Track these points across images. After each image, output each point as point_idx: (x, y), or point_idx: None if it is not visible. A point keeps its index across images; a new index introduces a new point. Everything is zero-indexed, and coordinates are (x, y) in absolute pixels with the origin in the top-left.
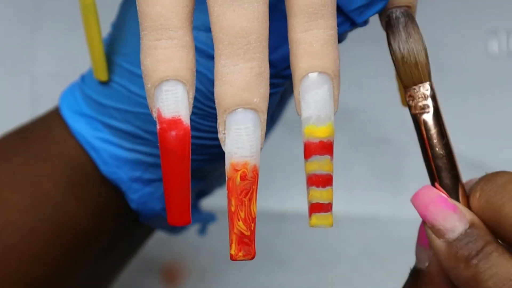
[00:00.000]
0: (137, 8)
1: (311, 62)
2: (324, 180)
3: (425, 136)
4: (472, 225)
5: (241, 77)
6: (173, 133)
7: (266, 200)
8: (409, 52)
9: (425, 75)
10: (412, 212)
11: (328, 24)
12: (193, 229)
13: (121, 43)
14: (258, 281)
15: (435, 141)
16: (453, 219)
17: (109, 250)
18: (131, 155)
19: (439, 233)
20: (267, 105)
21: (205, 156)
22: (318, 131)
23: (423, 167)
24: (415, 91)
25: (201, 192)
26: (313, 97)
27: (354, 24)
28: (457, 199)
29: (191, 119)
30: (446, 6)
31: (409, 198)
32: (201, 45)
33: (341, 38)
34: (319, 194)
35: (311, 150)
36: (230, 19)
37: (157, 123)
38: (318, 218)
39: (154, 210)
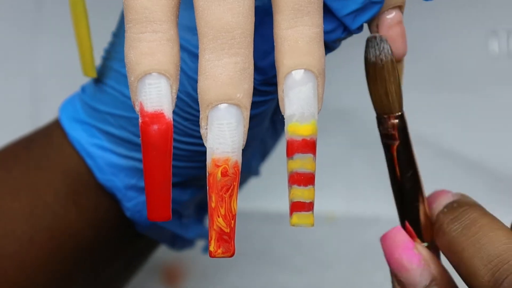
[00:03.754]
0: (123, 1)
1: (296, 59)
2: (306, 179)
3: (391, 162)
4: (433, 280)
5: (225, 72)
6: (155, 127)
7: (266, 200)
8: (380, 79)
9: (395, 107)
10: None
11: (313, 21)
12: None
13: (118, 49)
14: (258, 281)
15: (402, 170)
16: (416, 274)
17: (110, 260)
18: (126, 162)
19: (400, 284)
20: (251, 101)
21: (201, 163)
22: (301, 129)
23: (422, 167)
24: (384, 120)
25: (203, 205)
26: (297, 95)
27: (347, 31)
28: (420, 231)
29: (183, 125)
30: (446, 6)
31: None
32: (195, 49)
33: (334, 45)
34: (301, 193)
35: (293, 148)
36: (215, 14)
37: (139, 116)
38: (299, 217)
39: None
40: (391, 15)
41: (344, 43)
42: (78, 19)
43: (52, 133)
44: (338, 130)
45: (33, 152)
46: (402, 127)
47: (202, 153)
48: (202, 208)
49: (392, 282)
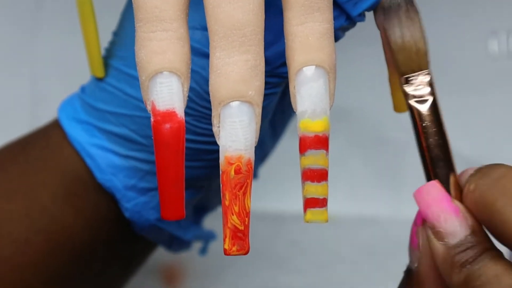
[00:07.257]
0: (133, 0)
1: (307, 55)
2: (319, 175)
3: (420, 124)
4: (472, 231)
5: (236, 70)
6: (167, 125)
7: (265, 201)
8: (410, 38)
9: (424, 63)
10: (412, 212)
11: (324, 17)
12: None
13: (119, 47)
14: (258, 282)
15: (431, 130)
16: (455, 223)
17: (107, 262)
18: (126, 162)
19: (439, 235)
20: (263, 98)
21: (201, 163)
22: (313, 125)
23: (422, 167)
24: (414, 78)
25: (201, 207)
26: (308, 91)
27: (350, 19)
28: (449, 190)
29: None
30: (446, 6)
31: (408, 197)
32: (196, 43)
33: (337, 35)
34: (314, 189)
35: (306, 144)
36: (225, 11)
37: (151, 115)
38: (313, 213)
39: (149, 220)
40: None
41: (344, 43)
42: (86, 19)
43: (51, 133)
44: (338, 130)
45: (31, 153)
46: (431, 84)
47: (201, 151)
48: (200, 210)
49: (421, 240)
